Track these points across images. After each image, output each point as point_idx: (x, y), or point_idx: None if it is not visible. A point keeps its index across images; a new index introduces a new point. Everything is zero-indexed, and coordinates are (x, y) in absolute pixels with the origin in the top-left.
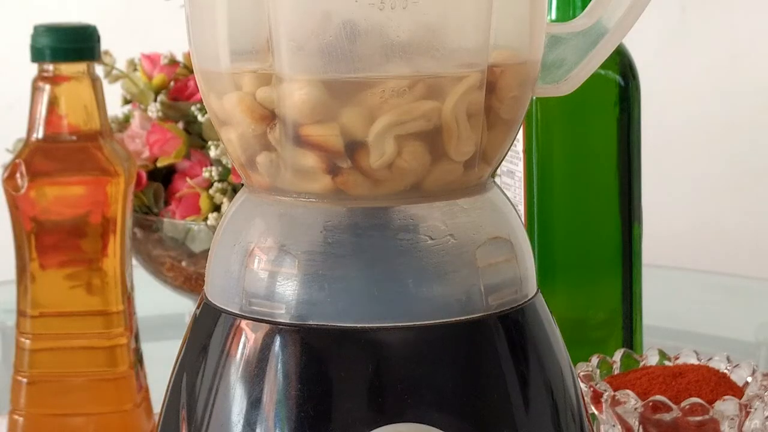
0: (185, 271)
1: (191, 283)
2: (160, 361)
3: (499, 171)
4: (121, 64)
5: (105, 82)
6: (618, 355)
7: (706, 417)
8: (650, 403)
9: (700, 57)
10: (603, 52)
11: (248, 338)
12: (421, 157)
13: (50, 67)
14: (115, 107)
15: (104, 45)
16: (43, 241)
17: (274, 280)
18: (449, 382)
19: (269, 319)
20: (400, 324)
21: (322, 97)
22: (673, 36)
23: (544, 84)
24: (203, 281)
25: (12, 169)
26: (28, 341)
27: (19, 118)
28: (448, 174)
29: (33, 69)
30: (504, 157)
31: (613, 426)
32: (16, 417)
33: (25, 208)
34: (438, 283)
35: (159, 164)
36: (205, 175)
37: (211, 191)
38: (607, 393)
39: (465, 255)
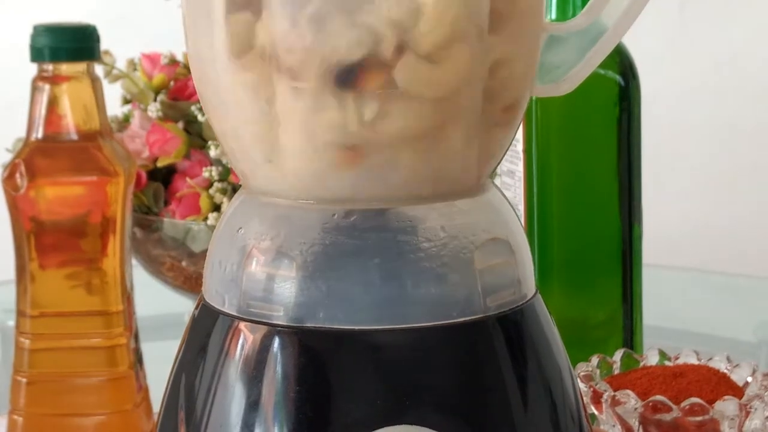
0: (185, 271)
1: (191, 283)
2: (160, 361)
3: (499, 171)
4: (121, 64)
5: (105, 82)
6: (618, 355)
7: (706, 417)
8: (650, 403)
9: (700, 56)
10: (602, 51)
11: (246, 340)
12: (420, 158)
13: (50, 66)
14: (115, 107)
15: (104, 45)
16: (43, 241)
17: (272, 282)
18: (448, 384)
19: (267, 320)
20: (398, 326)
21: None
22: (673, 36)
23: (544, 84)
24: (203, 281)
25: (12, 169)
26: (27, 341)
27: (19, 118)
28: (446, 175)
29: (33, 69)
30: (503, 157)
31: (613, 426)
32: (15, 417)
33: (24, 208)
34: (436, 284)
35: (159, 164)
36: (205, 175)
37: (211, 191)
38: (607, 393)
39: (463, 256)
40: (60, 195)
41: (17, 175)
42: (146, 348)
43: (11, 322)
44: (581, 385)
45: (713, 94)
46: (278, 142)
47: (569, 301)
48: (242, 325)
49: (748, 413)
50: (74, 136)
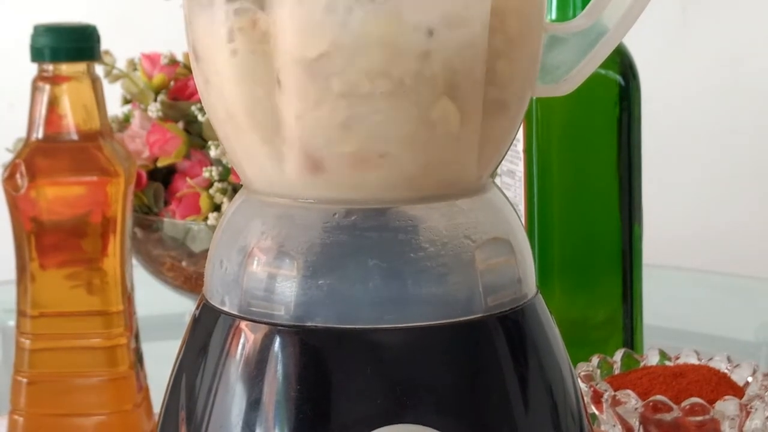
0: (185, 271)
1: (191, 283)
2: (161, 361)
3: (499, 171)
4: (121, 64)
5: (105, 82)
6: (618, 355)
7: (707, 417)
8: (651, 403)
9: (701, 57)
10: (603, 52)
11: (247, 339)
12: (421, 158)
13: (50, 67)
14: (115, 107)
15: (104, 45)
16: (43, 241)
17: (273, 281)
18: (448, 383)
19: (268, 320)
20: (399, 325)
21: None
22: (674, 36)
23: (544, 84)
24: (203, 281)
25: (12, 169)
26: (28, 341)
27: (19, 117)
28: (447, 175)
29: (34, 68)
30: (504, 157)
31: (614, 426)
32: (16, 417)
33: (25, 208)
34: (437, 284)
35: (159, 164)
36: (205, 175)
37: (211, 191)
38: (607, 393)
39: (464, 256)
40: (60, 195)
41: (18, 175)
42: (146, 348)
43: (11, 322)
44: (582, 385)
45: (714, 94)
46: (280, 141)
47: (569, 301)
48: (243, 324)
49: (748, 413)
50: (74, 136)
